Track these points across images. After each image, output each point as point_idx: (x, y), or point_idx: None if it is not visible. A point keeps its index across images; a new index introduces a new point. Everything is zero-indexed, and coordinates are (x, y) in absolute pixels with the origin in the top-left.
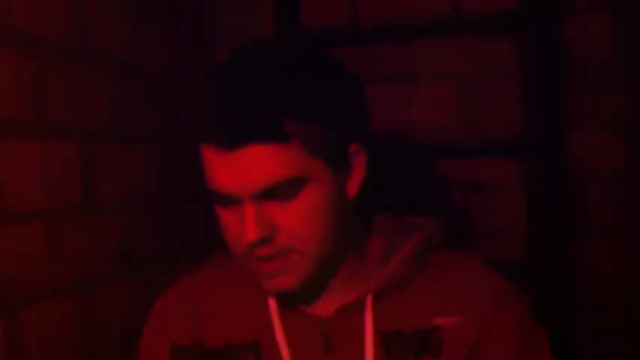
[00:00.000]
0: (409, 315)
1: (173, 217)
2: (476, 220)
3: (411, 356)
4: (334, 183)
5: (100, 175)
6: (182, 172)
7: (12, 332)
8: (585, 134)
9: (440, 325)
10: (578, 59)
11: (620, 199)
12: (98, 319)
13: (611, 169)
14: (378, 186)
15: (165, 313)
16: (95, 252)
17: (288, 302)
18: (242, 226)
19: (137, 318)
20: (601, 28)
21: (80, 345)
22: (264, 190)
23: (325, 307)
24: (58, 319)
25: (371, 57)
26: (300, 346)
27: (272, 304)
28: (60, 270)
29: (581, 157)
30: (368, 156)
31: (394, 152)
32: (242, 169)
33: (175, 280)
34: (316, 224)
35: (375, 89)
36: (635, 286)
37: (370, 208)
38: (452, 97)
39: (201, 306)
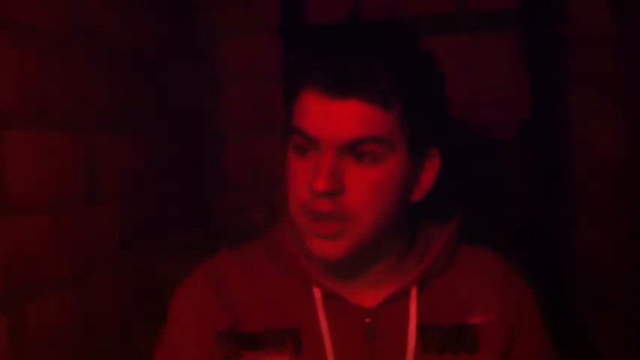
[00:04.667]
0: (447, 310)
1: (172, 208)
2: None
3: (448, 351)
4: (409, 171)
5: (102, 165)
6: (182, 163)
7: (16, 324)
8: (588, 125)
9: (476, 323)
10: (580, 50)
11: (622, 188)
12: (100, 308)
13: (613, 158)
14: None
15: (198, 299)
16: (98, 242)
17: (333, 291)
18: (315, 174)
19: (137, 307)
20: (603, 22)
21: (82, 335)
22: (351, 141)
23: (369, 297)
24: (61, 310)
25: None
26: (342, 335)
27: (317, 292)
28: (63, 261)
29: (583, 148)
30: (440, 164)
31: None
32: (339, 118)
33: (193, 267)
34: (383, 199)
35: None
36: (636, 273)
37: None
38: (455, 96)
39: (235, 292)
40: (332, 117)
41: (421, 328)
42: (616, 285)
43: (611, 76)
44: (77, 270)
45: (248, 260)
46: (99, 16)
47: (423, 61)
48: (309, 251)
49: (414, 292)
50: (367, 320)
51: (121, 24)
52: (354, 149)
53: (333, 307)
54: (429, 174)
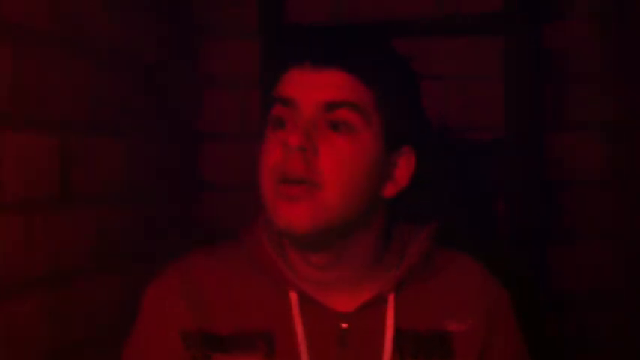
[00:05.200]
0: (423, 315)
1: (152, 212)
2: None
3: (422, 356)
4: (382, 159)
5: (78, 167)
6: (161, 167)
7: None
8: (565, 135)
9: (452, 329)
10: (560, 61)
11: (599, 199)
12: (72, 312)
13: (590, 170)
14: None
15: (167, 298)
16: (71, 245)
17: (309, 295)
18: (289, 134)
19: (111, 312)
20: (584, 32)
21: (53, 338)
22: (328, 102)
23: (345, 301)
24: (32, 312)
25: None
26: (317, 339)
27: (292, 295)
28: (35, 263)
29: (560, 158)
30: (416, 164)
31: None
32: (319, 82)
33: (162, 268)
34: (353, 173)
35: None
36: (618, 286)
37: (400, 211)
38: (441, 98)
39: (205, 292)
40: (314, 83)
41: (397, 334)
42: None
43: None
44: (49, 272)
45: (221, 260)
46: (78, 12)
47: (400, 58)
48: (275, 223)
49: (391, 297)
50: (343, 325)
51: (102, 22)
52: (330, 113)
53: (309, 311)
54: (403, 171)
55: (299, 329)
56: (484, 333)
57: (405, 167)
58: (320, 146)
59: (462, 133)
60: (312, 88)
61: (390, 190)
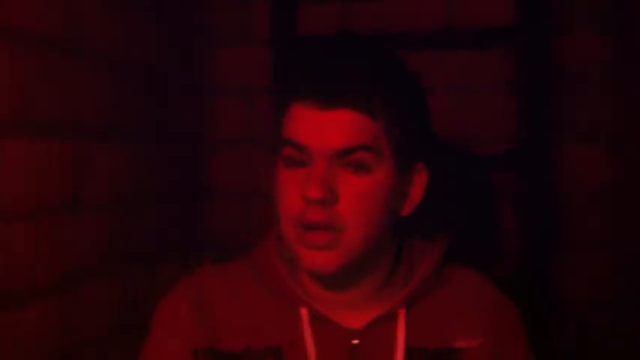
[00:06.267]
0: (433, 333)
1: (158, 218)
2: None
3: None
4: (398, 182)
5: (88, 174)
6: (168, 172)
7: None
8: (573, 147)
9: (462, 347)
10: (568, 73)
11: (607, 210)
12: (80, 317)
13: (599, 181)
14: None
15: (179, 316)
16: (81, 251)
17: (319, 312)
18: (308, 184)
19: (119, 317)
20: (592, 44)
21: (63, 343)
22: (342, 149)
23: (355, 318)
24: (41, 318)
25: None
26: (327, 356)
27: (303, 312)
28: (45, 270)
29: (569, 170)
30: (428, 180)
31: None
32: (329, 127)
33: (174, 283)
34: (374, 210)
35: None
36: (622, 295)
37: (410, 226)
38: (447, 110)
39: (216, 309)
40: (323, 127)
41: (407, 351)
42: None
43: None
44: (58, 279)
45: (232, 277)
46: (88, 22)
47: (406, 73)
48: (301, 264)
49: (401, 314)
50: (354, 341)
51: (110, 31)
52: (345, 158)
53: (320, 328)
54: (418, 188)
55: (310, 346)
56: (494, 350)
57: (419, 183)
58: (339, 192)
59: (467, 145)
60: (323, 135)
61: (407, 209)
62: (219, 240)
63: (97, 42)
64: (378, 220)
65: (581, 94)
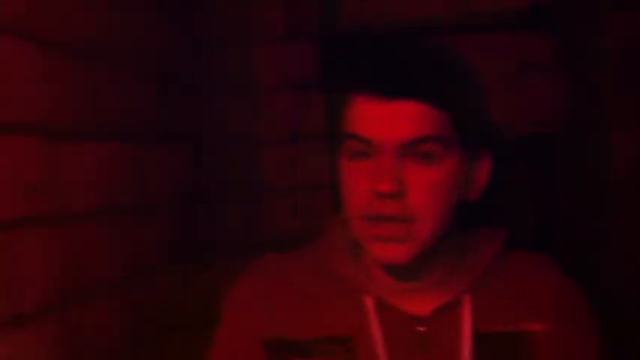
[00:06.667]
0: (499, 316)
1: (212, 216)
2: None
3: (501, 358)
4: (464, 170)
5: (148, 174)
6: (219, 171)
7: (69, 329)
8: (622, 133)
9: (530, 330)
10: (618, 56)
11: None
12: (145, 313)
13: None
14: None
15: (246, 306)
16: (145, 249)
17: (384, 300)
18: (377, 177)
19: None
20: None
21: (129, 339)
22: (411, 141)
23: (421, 305)
24: (111, 314)
25: None
26: (395, 344)
27: (368, 301)
28: (113, 268)
29: (616, 156)
30: (492, 165)
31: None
32: (397, 119)
33: (241, 274)
34: (443, 200)
35: None
36: None
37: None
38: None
39: (283, 299)
40: (390, 118)
41: (475, 336)
42: None
43: None
44: (126, 276)
45: (296, 267)
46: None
47: (466, 61)
48: (370, 254)
49: (467, 300)
50: (421, 329)
51: (137, 35)
52: (413, 149)
53: (386, 316)
54: (482, 173)
55: (377, 334)
56: (563, 334)
57: (484, 169)
58: (408, 183)
59: (516, 128)
60: (390, 126)
61: (473, 195)
62: (271, 236)
63: (133, 54)
64: (447, 209)
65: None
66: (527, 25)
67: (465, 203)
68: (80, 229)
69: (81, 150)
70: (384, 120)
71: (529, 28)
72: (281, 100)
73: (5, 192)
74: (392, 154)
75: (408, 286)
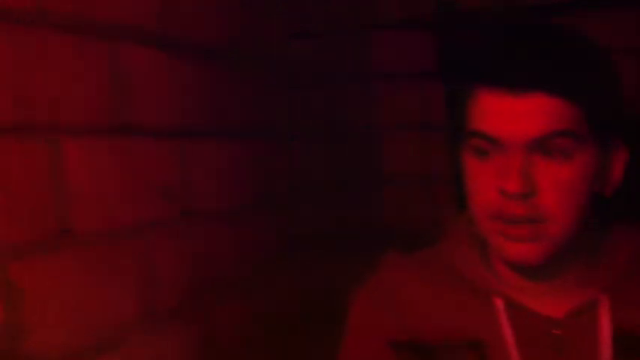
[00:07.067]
0: (638, 319)
1: (338, 206)
2: None
3: None
4: (598, 165)
5: (270, 171)
6: (345, 161)
7: (200, 330)
8: None
9: None
10: None
11: None
12: (267, 306)
13: None
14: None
15: (373, 308)
16: (268, 242)
17: (516, 301)
18: (504, 177)
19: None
20: None
21: (261, 336)
22: (540, 138)
23: (554, 306)
24: (242, 311)
25: None
26: (529, 348)
27: (499, 303)
28: (240, 262)
29: None
30: (628, 156)
31: None
32: (525, 114)
33: (363, 269)
34: (576, 198)
35: None
36: None
37: (609, 208)
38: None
39: (411, 301)
40: (517, 114)
41: (615, 339)
42: None
43: None
44: (251, 270)
45: (422, 267)
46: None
47: (596, 48)
48: (500, 255)
49: (605, 299)
50: (556, 331)
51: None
52: (543, 146)
53: (518, 318)
54: (618, 167)
55: (509, 338)
56: None
57: (619, 162)
58: (539, 182)
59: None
60: (518, 122)
61: (608, 190)
62: (396, 226)
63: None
64: (580, 207)
65: None
66: None
67: (599, 198)
68: (208, 227)
69: (206, 149)
70: (513, 116)
71: None
72: (398, 89)
73: (139, 194)
74: (520, 151)
75: (540, 287)
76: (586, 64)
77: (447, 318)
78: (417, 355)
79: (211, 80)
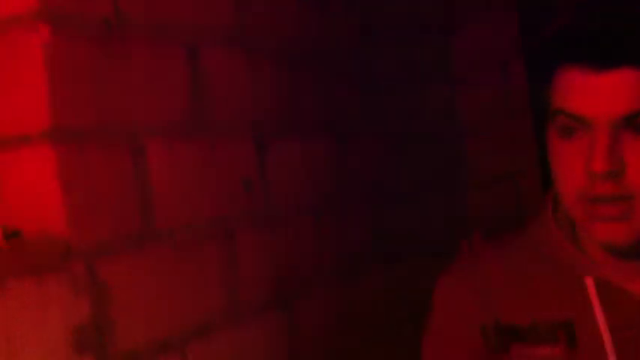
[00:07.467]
0: None
1: (426, 208)
2: None
3: None
4: None
5: (350, 171)
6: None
7: (290, 323)
8: None
9: None
10: None
11: None
12: (360, 307)
13: None
14: None
15: (460, 293)
16: (352, 242)
17: (607, 280)
18: (590, 156)
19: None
20: None
21: (344, 333)
22: (627, 114)
23: None
24: (326, 309)
25: None
26: (621, 328)
27: (589, 282)
28: (325, 260)
29: None
30: None
31: None
32: (611, 91)
33: (448, 263)
34: None
35: None
36: None
37: None
38: None
39: (498, 284)
40: (602, 91)
41: None
42: None
43: None
44: (337, 268)
45: (508, 249)
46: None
47: None
48: (590, 235)
49: None
50: None
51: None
52: (631, 122)
53: (609, 298)
54: None
55: (600, 317)
56: None
57: None
58: (627, 159)
59: None
60: (604, 100)
61: None
62: (483, 221)
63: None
64: None
65: None
66: None
67: None
68: (291, 225)
69: (287, 148)
70: (598, 93)
71: None
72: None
73: (221, 190)
74: (607, 129)
75: (631, 266)
76: None
77: (534, 299)
78: (504, 338)
79: (289, 79)
